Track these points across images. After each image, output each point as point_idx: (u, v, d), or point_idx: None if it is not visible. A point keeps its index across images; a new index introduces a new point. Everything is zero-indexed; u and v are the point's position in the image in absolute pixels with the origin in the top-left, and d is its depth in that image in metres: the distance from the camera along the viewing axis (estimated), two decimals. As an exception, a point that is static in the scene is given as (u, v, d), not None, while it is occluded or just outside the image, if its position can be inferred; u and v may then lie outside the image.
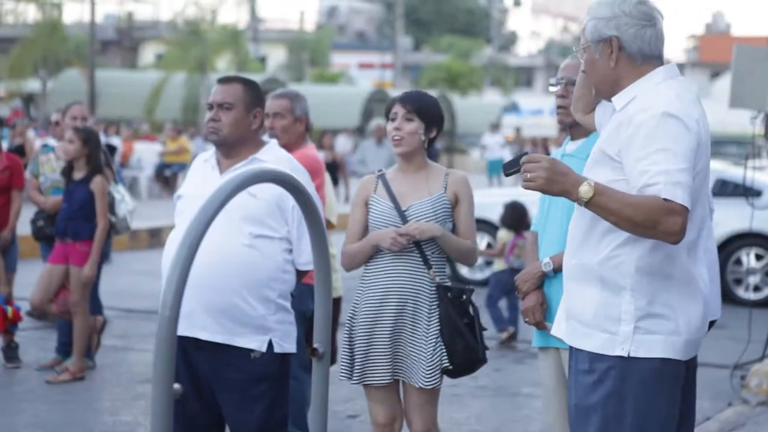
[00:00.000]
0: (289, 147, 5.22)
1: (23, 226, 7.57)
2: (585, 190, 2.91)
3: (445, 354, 4.20)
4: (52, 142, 8.06)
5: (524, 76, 65.96)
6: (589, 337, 3.05)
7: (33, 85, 36.06)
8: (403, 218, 4.25)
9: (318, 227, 2.86)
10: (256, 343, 3.92)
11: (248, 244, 3.89)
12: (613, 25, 3.05)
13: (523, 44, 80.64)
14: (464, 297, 4.26)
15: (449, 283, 4.29)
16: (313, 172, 5.17)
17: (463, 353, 4.21)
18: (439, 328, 4.20)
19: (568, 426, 3.20)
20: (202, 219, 2.54)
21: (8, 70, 34.17)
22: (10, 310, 6.98)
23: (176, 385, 2.50)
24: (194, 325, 3.88)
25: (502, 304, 8.68)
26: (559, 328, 3.23)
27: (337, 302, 5.29)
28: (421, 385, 4.20)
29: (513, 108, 44.29)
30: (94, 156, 6.94)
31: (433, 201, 4.27)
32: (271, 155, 4.05)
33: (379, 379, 4.27)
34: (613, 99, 3.11)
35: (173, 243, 3.92)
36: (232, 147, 4.03)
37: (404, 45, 56.30)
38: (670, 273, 3.00)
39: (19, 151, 10.09)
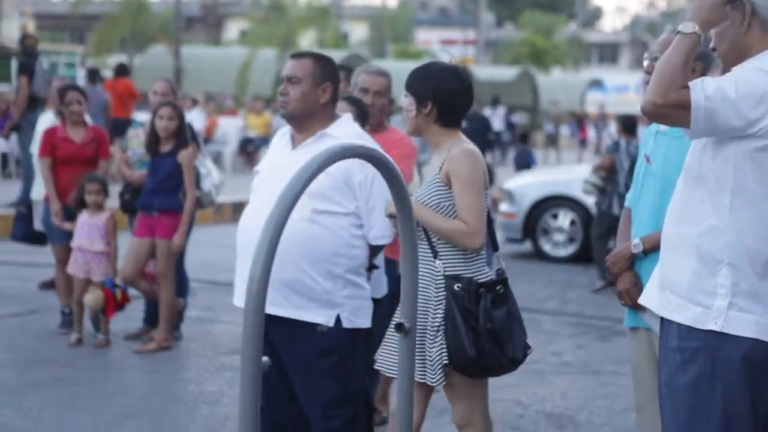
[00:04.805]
0: (381, 127, 5.25)
1: (112, 200, 7.69)
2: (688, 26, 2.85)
3: (445, 350, 3.85)
4: (140, 117, 8.18)
5: (609, 53, 65.08)
6: (682, 309, 2.97)
7: (120, 61, 36.62)
8: None
9: (403, 198, 2.83)
10: (322, 317, 3.94)
11: (309, 219, 3.90)
12: None
13: (608, 20, 79.49)
14: (473, 289, 3.85)
15: (462, 273, 3.89)
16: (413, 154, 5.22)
17: (455, 351, 3.83)
18: (442, 321, 3.86)
19: (659, 406, 3.15)
20: (290, 193, 2.55)
21: (95, 46, 34.75)
22: (119, 292, 7.13)
23: (264, 358, 2.53)
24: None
25: None
26: (650, 297, 3.12)
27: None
28: (430, 382, 3.89)
29: (597, 84, 43.72)
30: (182, 130, 7.04)
31: (427, 185, 3.96)
32: (342, 130, 4.04)
33: (386, 369, 4.00)
34: (733, 69, 2.95)
35: (247, 217, 3.98)
36: (301, 121, 4.05)
37: (487, 21, 55.87)
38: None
39: None
